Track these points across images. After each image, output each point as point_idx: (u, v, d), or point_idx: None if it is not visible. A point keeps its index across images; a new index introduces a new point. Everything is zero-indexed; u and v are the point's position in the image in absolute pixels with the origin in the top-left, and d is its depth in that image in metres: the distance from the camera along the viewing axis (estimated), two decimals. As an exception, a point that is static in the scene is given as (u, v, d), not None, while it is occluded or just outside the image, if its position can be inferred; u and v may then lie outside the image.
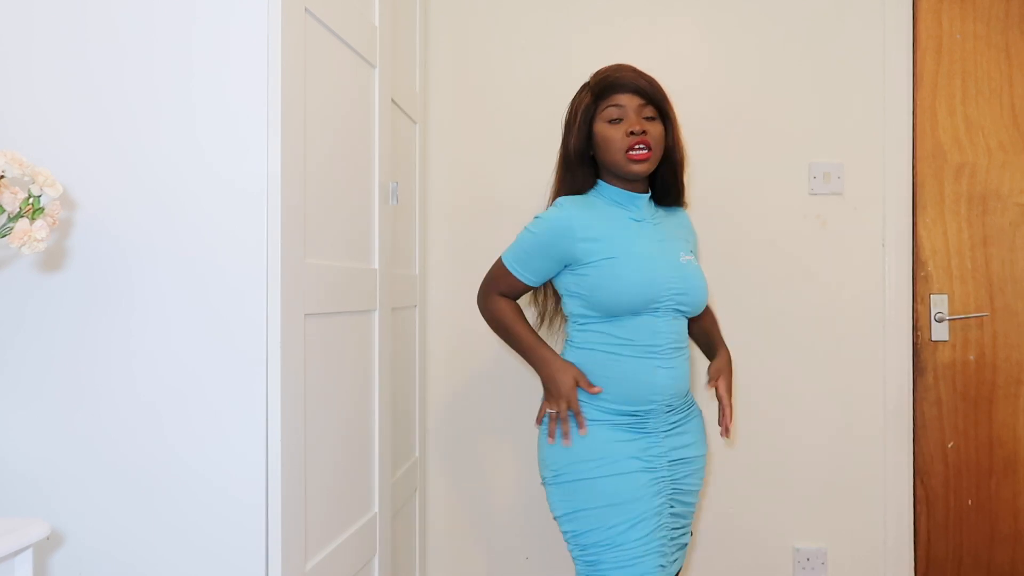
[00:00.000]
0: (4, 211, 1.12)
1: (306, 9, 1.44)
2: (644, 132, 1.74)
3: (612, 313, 1.73)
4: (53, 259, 1.38)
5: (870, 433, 2.53)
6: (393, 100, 2.00)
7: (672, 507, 1.78)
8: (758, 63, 2.56)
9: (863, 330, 2.53)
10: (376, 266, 1.86)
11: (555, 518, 1.77)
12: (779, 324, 2.54)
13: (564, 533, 1.76)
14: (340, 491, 1.65)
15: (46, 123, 1.37)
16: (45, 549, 1.37)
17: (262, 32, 1.32)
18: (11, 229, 1.12)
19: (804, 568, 2.54)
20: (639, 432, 1.75)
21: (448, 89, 2.61)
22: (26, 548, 1.12)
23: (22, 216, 1.13)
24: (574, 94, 1.86)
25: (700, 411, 1.90)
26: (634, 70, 1.80)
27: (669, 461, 1.77)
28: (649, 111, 1.77)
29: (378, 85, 1.86)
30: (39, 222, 1.13)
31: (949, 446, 2.55)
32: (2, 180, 1.11)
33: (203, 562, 1.34)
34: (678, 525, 1.80)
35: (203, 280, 1.34)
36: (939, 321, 2.53)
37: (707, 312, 1.97)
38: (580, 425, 1.73)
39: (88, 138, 1.37)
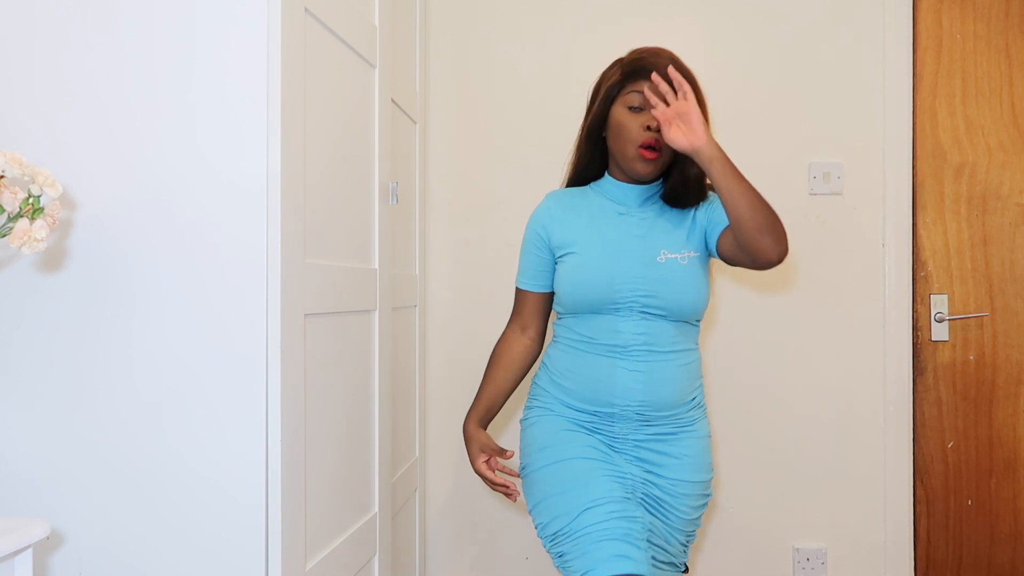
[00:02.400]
0: (4, 211, 1.12)
1: (306, 9, 1.44)
2: (660, 130, 1.58)
3: (572, 310, 1.69)
4: (53, 259, 1.38)
5: (870, 433, 2.53)
6: (393, 100, 2.00)
7: (649, 510, 1.64)
8: (758, 63, 2.56)
9: (863, 330, 2.53)
10: (376, 266, 1.86)
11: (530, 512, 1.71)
12: (779, 324, 2.54)
13: (535, 528, 1.68)
14: (340, 491, 1.65)
15: (46, 123, 1.37)
16: (45, 549, 1.37)
17: (262, 32, 1.32)
18: (11, 229, 1.12)
19: (804, 568, 2.54)
20: (604, 435, 1.66)
21: (448, 89, 2.61)
22: (26, 548, 1.12)
23: (22, 216, 1.13)
24: (604, 69, 1.73)
25: (705, 435, 1.72)
26: (673, 59, 1.64)
27: (644, 471, 1.65)
28: None
29: (378, 85, 1.86)
30: (39, 222, 1.13)
31: (949, 446, 2.55)
32: (2, 180, 1.11)
33: (203, 562, 1.34)
34: (656, 540, 1.65)
35: (203, 280, 1.34)
36: (939, 321, 2.53)
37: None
38: (503, 483, 1.71)
39: (88, 138, 1.36)
